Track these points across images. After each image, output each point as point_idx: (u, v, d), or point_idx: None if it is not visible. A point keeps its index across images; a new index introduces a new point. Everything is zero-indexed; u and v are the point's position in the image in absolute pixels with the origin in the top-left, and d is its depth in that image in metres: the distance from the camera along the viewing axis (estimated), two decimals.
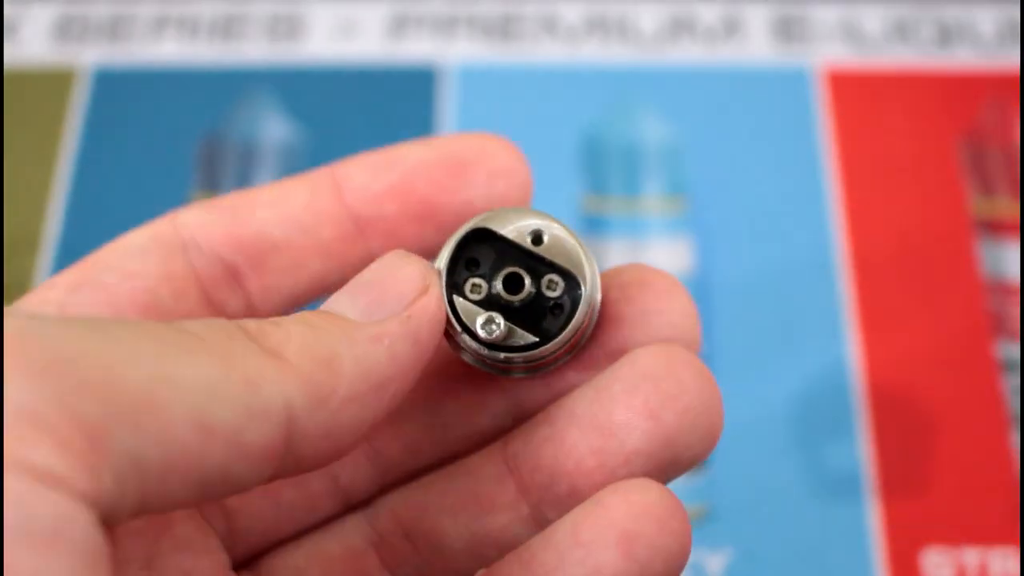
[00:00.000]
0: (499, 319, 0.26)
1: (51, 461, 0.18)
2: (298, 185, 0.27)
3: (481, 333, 0.25)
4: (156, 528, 0.25)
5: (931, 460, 0.41)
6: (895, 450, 0.41)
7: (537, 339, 0.26)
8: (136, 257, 0.26)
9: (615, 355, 0.27)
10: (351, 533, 0.27)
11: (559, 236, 0.26)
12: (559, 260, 0.26)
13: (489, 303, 0.26)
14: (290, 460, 0.22)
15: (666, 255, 0.45)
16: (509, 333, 0.26)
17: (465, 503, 0.27)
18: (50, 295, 0.25)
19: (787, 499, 0.40)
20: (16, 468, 0.18)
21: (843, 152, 0.47)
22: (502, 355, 0.26)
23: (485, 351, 0.26)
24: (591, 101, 0.49)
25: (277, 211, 0.27)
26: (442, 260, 0.26)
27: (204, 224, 0.26)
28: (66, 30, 0.51)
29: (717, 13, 0.51)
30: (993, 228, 0.46)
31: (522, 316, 0.26)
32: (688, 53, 0.50)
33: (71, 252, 0.46)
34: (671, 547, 0.24)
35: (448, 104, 0.49)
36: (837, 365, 0.43)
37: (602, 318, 0.27)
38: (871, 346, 0.43)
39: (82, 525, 0.19)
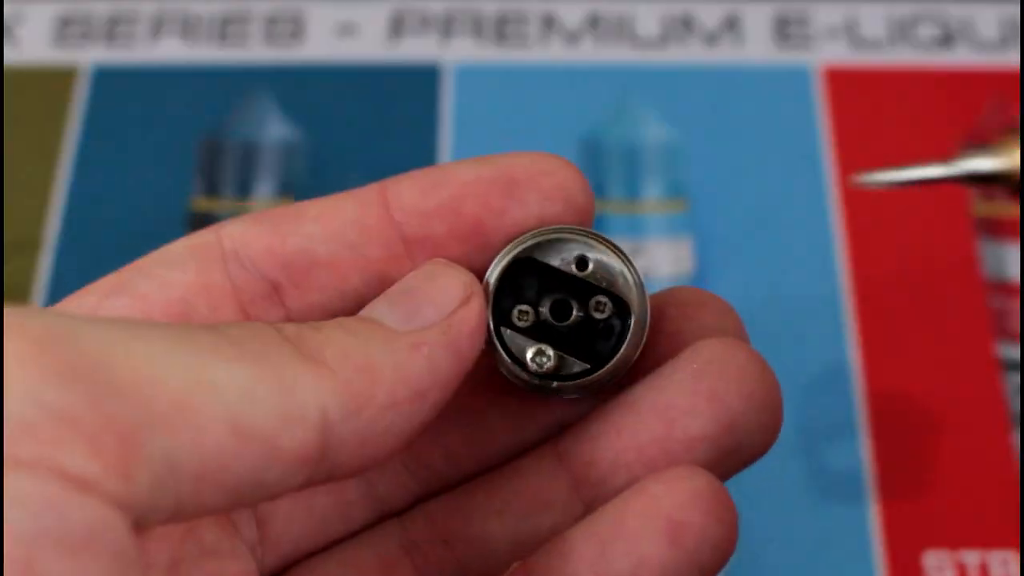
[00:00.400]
0: (549, 351, 0.26)
1: (84, 465, 0.18)
2: (347, 200, 0.26)
3: (532, 366, 0.25)
4: (181, 532, 0.25)
5: (932, 462, 0.41)
6: (895, 451, 0.41)
7: (588, 366, 0.26)
8: (175, 266, 0.26)
9: None
10: (385, 541, 0.27)
11: (603, 260, 0.26)
12: (604, 284, 0.26)
13: (537, 329, 0.26)
14: (325, 467, 0.22)
15: (667, 257, 0.45)
16: (560, 363, 0.26)
17: (513, 503, 0.26)
18: (86, 300, 0.25)
19: (787, 501, 0.40)
20: (48, 472, 0.18)
21: (843, 151, 0.47)
22: (554, 384, 0.26)
23: (537, 381, 0.26)
24: (590, 102, 0.49)
25: (324, 226, 0.26)
26: (489, 287, 0.26)
27: (248, 236, 0.26)
28: (66, 29, 0.51)
29: (716, 12, 0.51)
30: (993, 228, 0.46)
31: (572, 341, 0.26)
32: (687, 53, 0.50)
33: (71, 252, 0.46)
34: (720, 535, 0.24)
35: (447, 104, 0.49)
36: (838, 365, 0.43)
37: (659, 335, 0.27)
38: (872, 347, 0.43)
39: (115, 531, 0.18)
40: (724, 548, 0.24)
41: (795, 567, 0.39)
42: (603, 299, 0.26)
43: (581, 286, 0.26)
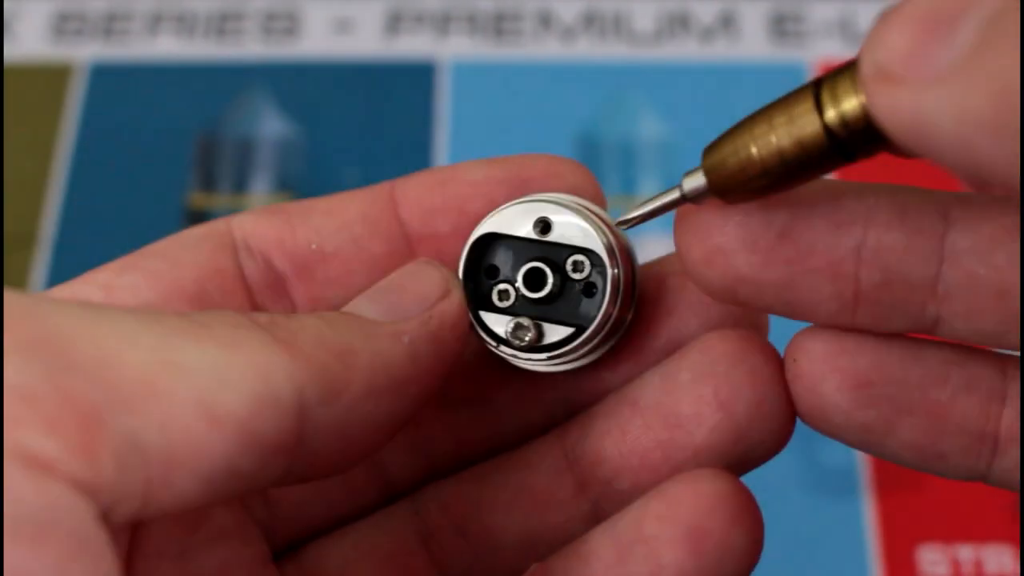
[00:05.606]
0: (526, 322, 0.25)
1: (42, 443, 0.17)
2: (356, 196, 0.26)
3: (514, 341, 0.25)
4: (192, 519, 0.23)
5: None
6: None
7: (573, 329, 0.25)
8: (188, 249, 0.25)
9: (672, 344, 0.25)
10: (400, 527, 0.26)
11: (567, 220, 0.25)
12: (575, 241, 0.25)
13: (521, 305, 0.25)
14: (303, 457, 0.21)
15: (664, 252, 0.45)
16: (542, 333, 0.25)
17: (520, 498, 0.25)
18: (98, 276, 0.25)
19: (784, 496, 0.41)
20: (7, 452, 0.17)
21: None
22: (544, 355, 0.25)
23: (525, 356, 0.25)
24: (586, 97, 0.49)
25: (331, 220, 0.26)
26: (459, 272, 0.25)
27: (258, 227, 0.26)
28: (63, 26, 0.51)
29: (713, 9, 0.51)
30: None
31: (558, 307, 0.25)
32: (684, 49, 0.50)
33: (68, 247, 0.46)
34: (744, 544, 0.23)
35: (443, 100, 0.49)
36: None
37: (655, 306, 0.26)
38: None
39: (77, 517, 0.17)
40: (748, 558, 0.23)
41: (790, 561, 0.40)
42: (580, 258, 0.25)
43: (552, 251, 0.25)
